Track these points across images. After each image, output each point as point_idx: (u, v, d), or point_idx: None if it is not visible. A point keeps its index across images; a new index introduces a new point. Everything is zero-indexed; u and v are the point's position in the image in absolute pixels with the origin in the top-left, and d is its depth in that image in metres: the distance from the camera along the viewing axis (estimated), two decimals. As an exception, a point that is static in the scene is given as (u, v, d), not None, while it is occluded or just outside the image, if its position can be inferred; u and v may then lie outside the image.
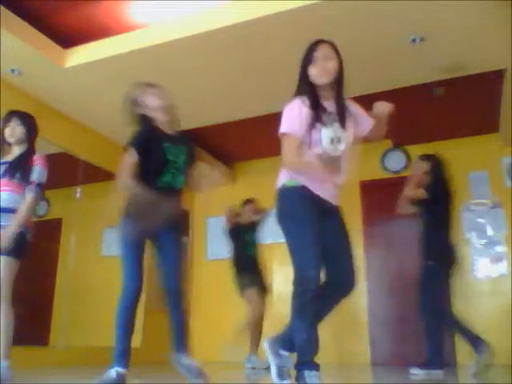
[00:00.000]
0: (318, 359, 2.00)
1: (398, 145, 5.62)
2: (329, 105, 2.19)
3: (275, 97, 4.59)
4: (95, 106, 4.67)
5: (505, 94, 4.37)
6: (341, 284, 2.15)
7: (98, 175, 5.53)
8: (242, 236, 4.67)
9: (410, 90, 4.37)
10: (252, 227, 4.72)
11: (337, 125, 2.16)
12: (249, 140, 5.79)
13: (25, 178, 2.86)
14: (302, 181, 2.11)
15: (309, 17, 3.38)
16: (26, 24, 3.69)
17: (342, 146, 2.15)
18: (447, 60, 3.91)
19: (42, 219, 5.35)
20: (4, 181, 2.85)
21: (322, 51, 2.18)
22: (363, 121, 2.28)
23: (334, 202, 2.18)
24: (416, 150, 5.56)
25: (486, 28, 3.47)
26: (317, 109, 2.13)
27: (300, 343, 2.03)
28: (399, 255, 5.49)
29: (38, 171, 2.91)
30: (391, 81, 4.24)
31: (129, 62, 3.95)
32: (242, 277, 4.52)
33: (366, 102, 2.27)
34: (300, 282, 2.07)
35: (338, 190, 2.19)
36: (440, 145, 5.49)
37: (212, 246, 6.43)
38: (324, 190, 2.13)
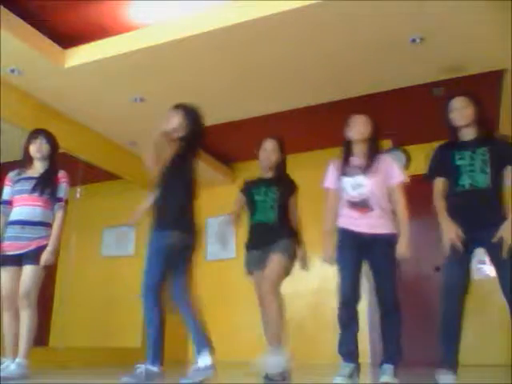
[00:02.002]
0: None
1: (398, 145, 5.62)
2: (356, 159, 2.86)
3: (275, 97, 4.60)
4: (95, 105, 4.67)
5: (505, 94, 4.37)
6: (381, 306, 2.79)
7: (98, 175, 5.54)
8: (251, 196, 3.28)
9: (410, 90, 4.36)
10: (269, 182, 3.28)
11: (359, 174, 2.80)
12: (249, 140, 5.78)
13: (53, 195, 3.15)
14: (341, 223, 2.83)
15: (309, 17, 3.38)
16: (26, 24, 3.69)
17: (364, 190, 2.77)
18: (447, 60, 3.91)
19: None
20: (35, 196, 3.10)
21: (357, 119, 2.90)
22: (391, 176, 2.84)
23: (378, 230, 2.73)
24: (416, 150, 5.57)
25: (486, 28, 3.47)
26: (344, 164, 2.88)
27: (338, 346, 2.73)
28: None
29: (65, 189, 3.23)
30: (391, 81, 4.24)
31: (129, 62, 3.95)
32: (247, 256, 3.25)
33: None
34: (339, 299, 2.73)
35: (381, 219, 2.75)
36: (440, 145, 5.49)
37: (212, 246, 6.43)
38: (361, 225, 2.74)
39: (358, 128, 2.86)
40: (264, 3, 3.40)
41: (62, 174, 3.25)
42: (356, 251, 2.74)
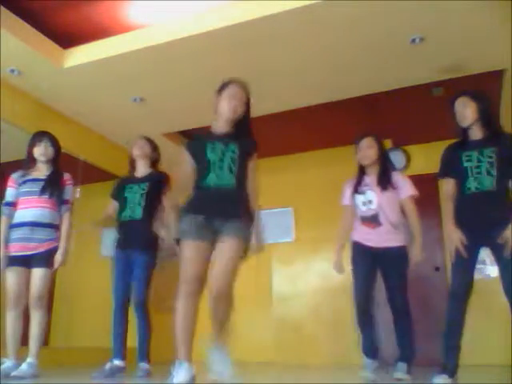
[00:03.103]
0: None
1: (398, 145, 5.62)
2: (368, 178, 3.14)
3: (275, 97, 4.60)
4: (95, 106, 4.67)
5: (505, 94, 4.37)
6: (392, 310, 3.05)
7: (98, 175, 5.53)
8: (204, 153, 2.45)
9: (410, 90, 4.37)
10: (227, 138, 2.57)
11: (370, 191, 3.07)
12: (249, 140, 5.78)
13: (59, 197, 3.21)
14: (355, 236, 3.12)
15: (309, 17, 3.38)
16: (26, 24, 3.69)
17: (373, 206, 3.05)
18: (447, 60, 3.91)
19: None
20: (44, 198, 3.15)
21: (363, 143, 3.14)
22: (400, 190, 3.10)
23: (386, 244, 3.01)
24: (416, 150, 5.56)
25: (485, 28, 3.47)
26: (357, 183, 3.14)
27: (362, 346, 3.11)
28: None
29: (71, 191, 3.33)
30: (391, 81, 4.24)
31: (129, 62, 3.95)
32: (185, 221, 2.35)
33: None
34: (354, 304, 3.05)
35: (391, 234, 3.01)
36: (440, 145, 5.48)
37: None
38: (371, 240, 3.04)
39: (364, 153, 3.12)
40: (264, 3, 3.40)
41: (67, 177, 3.30)
42: (369, 261, 3.04)
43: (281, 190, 6.12)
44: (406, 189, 3.11)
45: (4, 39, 3.56)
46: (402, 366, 2.98)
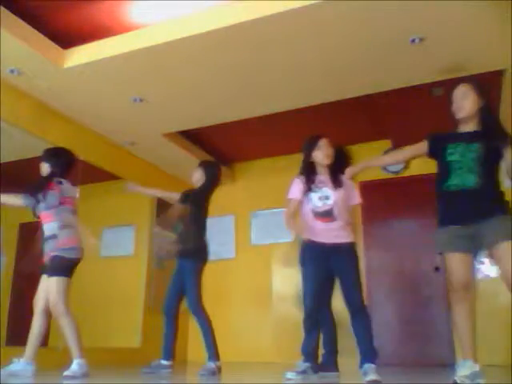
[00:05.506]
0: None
1: (398, 145, 5.62)
2: (322, 176, 3.13)
3: (275, 97, 4.60)
4: (95, 106, 4.67)
5: (505, 94, 4.37)
6: (349, 307, 2.94)
7: (97, 175, 5.53)
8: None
9: (410, 90, 4.37)
10: None
11: (326, 188, 3.08)
12: (249, 140, 5.79)
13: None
14: (306, 235, 3.02)
15: (308, 17, 3.38)
16: (26, 24, 3.69)
17: (329, 201, 3.04)
18: (447, 60, 3.91)
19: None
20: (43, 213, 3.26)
21: (323, 141, 3.18)
22: (351, 196, 3.17)
23: (340, 240, 2.99)
24: (416, 150, 5.55)
25: (486, 28, 3.47)
26: (310, 181, 3.12)
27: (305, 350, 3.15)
28: (399, 255, 5.49)
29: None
30: (391, 81, 4.24)
31: (129, 62, 3.95)
32: None
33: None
34: (304, 308, 3.04)
35: (342, 230, 3.01)
36: (440, 145, 5.49)
37: (212, 246, 6.42)
38: (325, 236, 2.99)
39: (328, 152, 3.14)
40: (264, 3, 3.40)
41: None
42: (321, 262, 3.00)
43: (281, 191, 6.11)
44: (356, 196, 3.21)
45: (4, 39, 3.56)
46: (371, 367, 2.81)
